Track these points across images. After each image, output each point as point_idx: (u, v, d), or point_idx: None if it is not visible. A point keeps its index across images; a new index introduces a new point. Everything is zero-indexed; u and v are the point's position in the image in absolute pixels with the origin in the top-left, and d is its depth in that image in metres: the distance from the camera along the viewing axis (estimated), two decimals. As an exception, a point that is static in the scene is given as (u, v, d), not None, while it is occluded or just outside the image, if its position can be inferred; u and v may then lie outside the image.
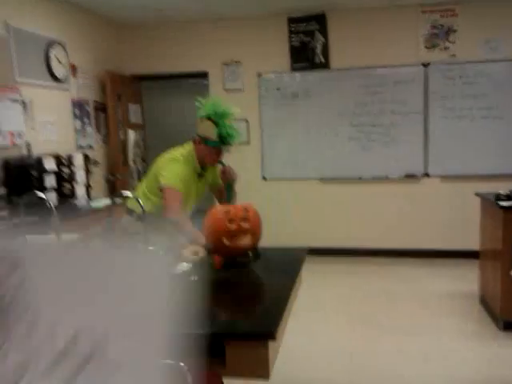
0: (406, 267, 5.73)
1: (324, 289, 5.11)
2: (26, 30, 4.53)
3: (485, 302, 4.36)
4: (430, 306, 4.53)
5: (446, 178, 5.97)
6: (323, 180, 6.27)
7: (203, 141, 2.92)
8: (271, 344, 1.72)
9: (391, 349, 3.71)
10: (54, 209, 2.30)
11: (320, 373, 3.40)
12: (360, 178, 6.15)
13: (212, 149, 2.92)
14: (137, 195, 3.17)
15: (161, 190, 2.91)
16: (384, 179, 6.10)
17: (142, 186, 3.17)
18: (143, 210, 2.40)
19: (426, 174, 6.00)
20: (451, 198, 5.95)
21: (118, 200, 2.64)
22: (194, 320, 1.85)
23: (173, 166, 2.94)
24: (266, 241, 6.08)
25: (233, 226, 2.38)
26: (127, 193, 2.63)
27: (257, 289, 2.28)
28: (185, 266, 2.42)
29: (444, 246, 5.98)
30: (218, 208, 2.45)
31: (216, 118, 2.86)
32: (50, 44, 4.86)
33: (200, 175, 3.08)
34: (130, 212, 3.09)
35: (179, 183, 2.88)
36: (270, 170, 6.41)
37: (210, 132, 2.87)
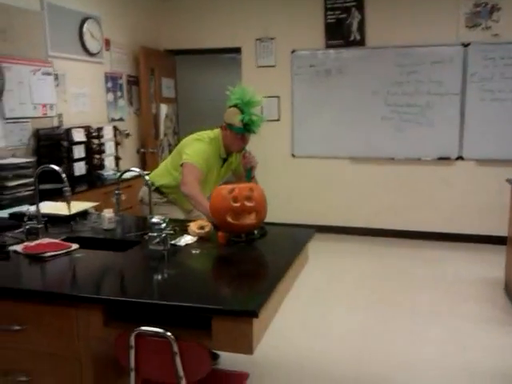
0: (435, 251, 5.65)
1: (347, 267, 5.13)
2: (60, 5, 4.64)
3: (509, 289, 4.29)
4: (453, 291, 4.48)
5: (480, 161, 5.80)
6: (354, 159, 6.21)
7: (228, 127, 3.04)
8: (256, 321, 1.77)
9: (407, 332, 3.70)
10: (65, 179, 2.41)
11: (331, 350, 3.44)
12: (392, 159, 6.06)
13: (236, 135, 3.04)
14: (158, 169, 3.30)
15: (181, 165, 3.00)
16: (417, 161, 5.99)
17: (166, 162, 3.32)
18: (147, 184, 2.50)
19: (460, 157, 5.85)
20: (485, 182, 5.78)
21: (130, 174, 2.75)
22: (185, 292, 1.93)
23: (197, 144, 3.07)
24: (293, 218, 6.12)
25: (237, 205, 2.43)
26: (136, 169, 2.73)
27: (254, 266, 2.33)
28: (189, 239, 2.50)
29: (475, 230, 5.85)
30: (223, 187, 2.49)
31: (242, 106, 2.98)
32: (84, 19, 4.96)
33: (225, 160, 3.20)
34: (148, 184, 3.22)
35: (201, 161, 3.00)
36: (300, 148, 6.38)
37: (235, 118, 2.99)
